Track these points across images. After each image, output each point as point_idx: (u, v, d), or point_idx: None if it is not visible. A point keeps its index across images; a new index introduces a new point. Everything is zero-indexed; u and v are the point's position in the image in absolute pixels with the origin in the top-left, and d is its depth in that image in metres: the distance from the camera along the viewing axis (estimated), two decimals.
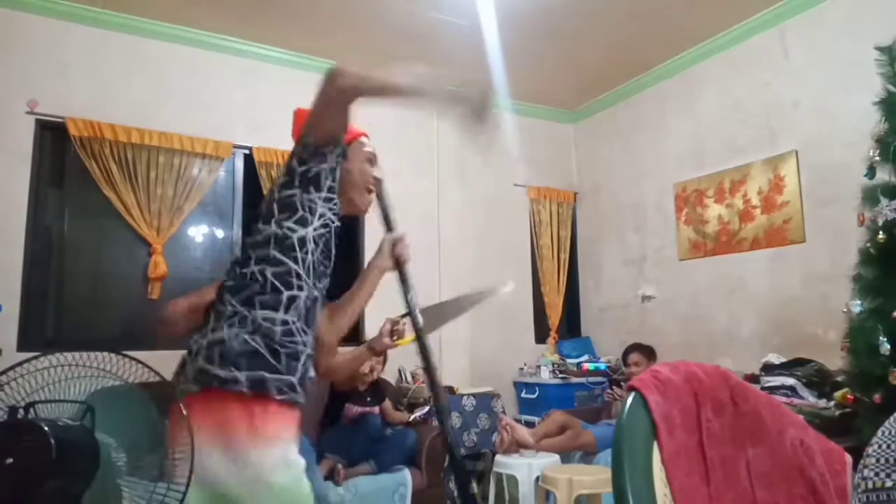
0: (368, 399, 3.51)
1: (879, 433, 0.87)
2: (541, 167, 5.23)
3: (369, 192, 1.60)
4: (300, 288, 1.33)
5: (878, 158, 2.57)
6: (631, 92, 4.85)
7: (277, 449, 1.24)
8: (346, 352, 2.47)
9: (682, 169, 4.41)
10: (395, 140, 4.50)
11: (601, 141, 5.20)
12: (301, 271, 1.34)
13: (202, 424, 1.18)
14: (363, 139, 1.62)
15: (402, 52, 4.24)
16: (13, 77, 3.46)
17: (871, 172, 2.59)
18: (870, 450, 0.86)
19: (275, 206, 1.38)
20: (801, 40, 3.67)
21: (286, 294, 1.31)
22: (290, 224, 1.35)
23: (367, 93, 1.39)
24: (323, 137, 1.38)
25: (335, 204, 1.43)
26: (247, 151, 4.06)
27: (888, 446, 0.84)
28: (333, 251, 1.45)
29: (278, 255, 1.33)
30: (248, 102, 4.05)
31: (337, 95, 1.35)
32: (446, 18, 3.79)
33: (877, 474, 0.82)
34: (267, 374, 1.25)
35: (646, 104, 4.74)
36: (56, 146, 3.62)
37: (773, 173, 3.79)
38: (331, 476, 3.04)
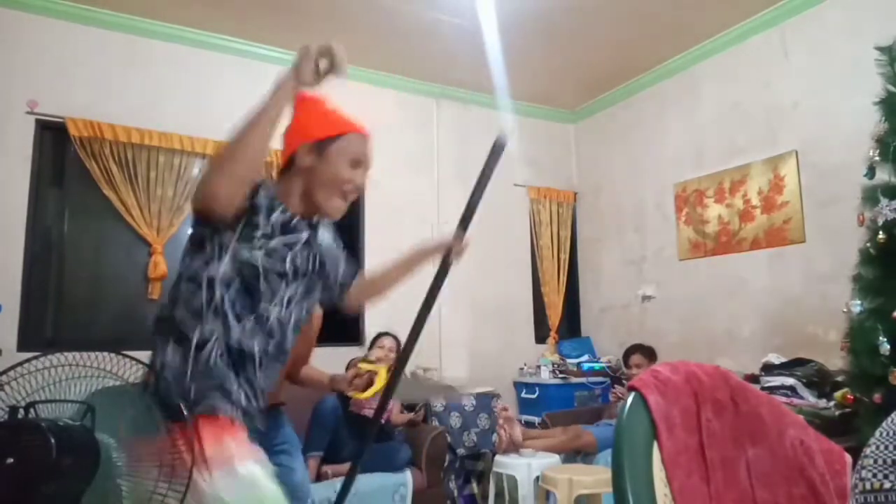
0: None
1: (877, 434, 0.86)
2: (541, 167, 5.23)
3: (343, 197, 1.40)
4: (211, 333, 1.27)
5: (877, 158, 2.57)
6: (631, 92, 4.85)
7: (219, 467, 1.20)
8: (315, 371, 2.49)
9: (682, 169, 4.41)
10: (394, 140, 4.51)
11: (601, 141, 5.20)
12: (207, 314, 1.27)
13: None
14: (352, 136, 1.40)
15: (401, 52, 4.25)
16: (13, 77, 3.46)
17: (870, 172, 2.60)
18: (867, 451, 0.85)
19: (188, 240, 1.31)
20: (801, 40, 3.67)
21: (195, 340, 1.26)
22: (198, 263, 1.29)
23: (230, 162, 1.23)
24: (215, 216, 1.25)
25: (260, 246, 1.31)
26: None
27: (886, 447, 0.83)
28: (271, 291, 1.33)
29: (190, 297, 1.28)
30: (248, 102, 4.01)
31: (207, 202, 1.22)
32: (446, 18, 3.79)
33: (874, 475, 0.82)
34: (177, 404, 1.21)
35: (646, 104, 4.74)
36: (56, 146, 3.62)
37: (772, 173, 3.79)
38: (317, 477, 3.05)
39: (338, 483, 3.01)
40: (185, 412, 1.19)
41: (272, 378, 1.41)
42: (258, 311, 1.32)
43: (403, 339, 3.45)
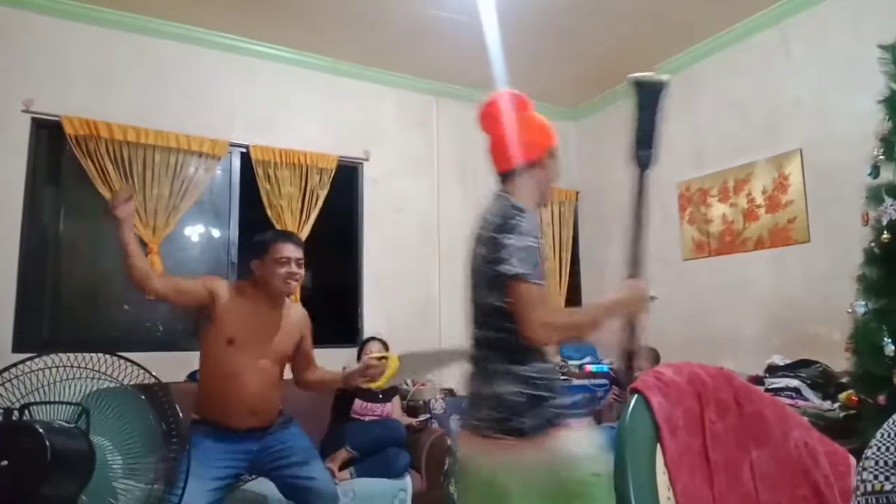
0: (380, 396, 3.49)
1: (878, 435, 0.86)
2: None
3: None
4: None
5: (882, 157, 2.55)
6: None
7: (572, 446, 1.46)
8: (324, 371, 2.50)
9: (686, 168, 4.38)
10: (395, 140, 4.50)
11: (603, 139, 5.18)
12: None
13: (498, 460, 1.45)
14: (555, 149, 1.73)
15: (401, 50, 4.23)
16: (9, 75, 3.43)
17: (875, 171, 2.58)
18: (868, 452, 0.85)
19: (513, 256, 1.50)
20: (803, 38, 3.65)
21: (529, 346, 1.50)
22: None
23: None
24: None
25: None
26: (244, 150, 4.03)
27: (887, 449, 0.83)
28: None
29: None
30: (245, 100, 4.03)
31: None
32: (447, 15, 3.78)
33: (875, 477, 0.81)
34: (548, 411, 1.48)
35: None
36: (52, 144, 3.59)
37: (777, 172, 3.77)
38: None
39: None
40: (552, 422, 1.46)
41: None
42: None
43: (392, 344, 3.45)
